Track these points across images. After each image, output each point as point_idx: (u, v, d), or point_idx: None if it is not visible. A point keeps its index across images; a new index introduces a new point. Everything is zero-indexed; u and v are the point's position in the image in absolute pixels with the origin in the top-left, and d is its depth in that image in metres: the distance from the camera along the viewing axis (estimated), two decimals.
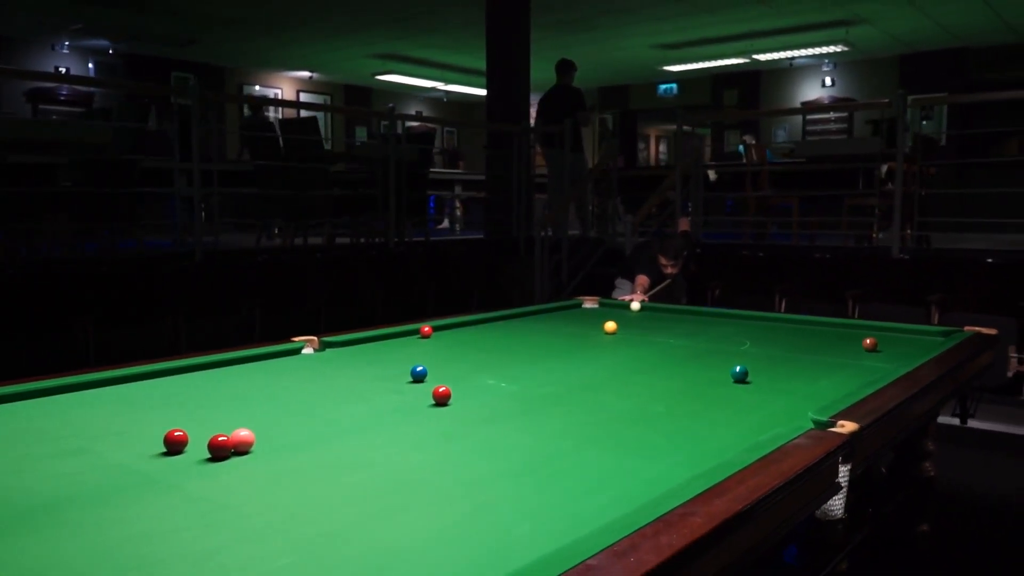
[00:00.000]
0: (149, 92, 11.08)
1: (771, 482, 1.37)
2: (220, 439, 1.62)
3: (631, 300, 4.03)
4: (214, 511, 1.35)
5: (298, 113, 11.81)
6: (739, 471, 1.42)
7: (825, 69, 13.75)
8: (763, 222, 7.18)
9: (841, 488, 1.68)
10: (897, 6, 9.81)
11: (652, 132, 19.09)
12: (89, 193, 4.56)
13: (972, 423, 4.45)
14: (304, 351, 2.81)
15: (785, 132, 13.90)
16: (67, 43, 11.34)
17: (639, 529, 1.16)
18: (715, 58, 12.91)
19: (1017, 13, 10.15)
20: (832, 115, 13.82)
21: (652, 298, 4.44)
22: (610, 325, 3.24)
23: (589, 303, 4.07)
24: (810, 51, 12.44)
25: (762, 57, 12.89)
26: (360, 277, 5.83)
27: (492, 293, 6.81)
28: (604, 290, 4.93)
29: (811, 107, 13.59)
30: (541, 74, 8.86)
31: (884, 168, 8.05)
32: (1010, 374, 4.76)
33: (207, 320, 4.73)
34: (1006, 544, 3.23)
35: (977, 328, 3.11)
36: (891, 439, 1.99)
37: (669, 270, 4.68)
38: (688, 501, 1.27)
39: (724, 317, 3.71)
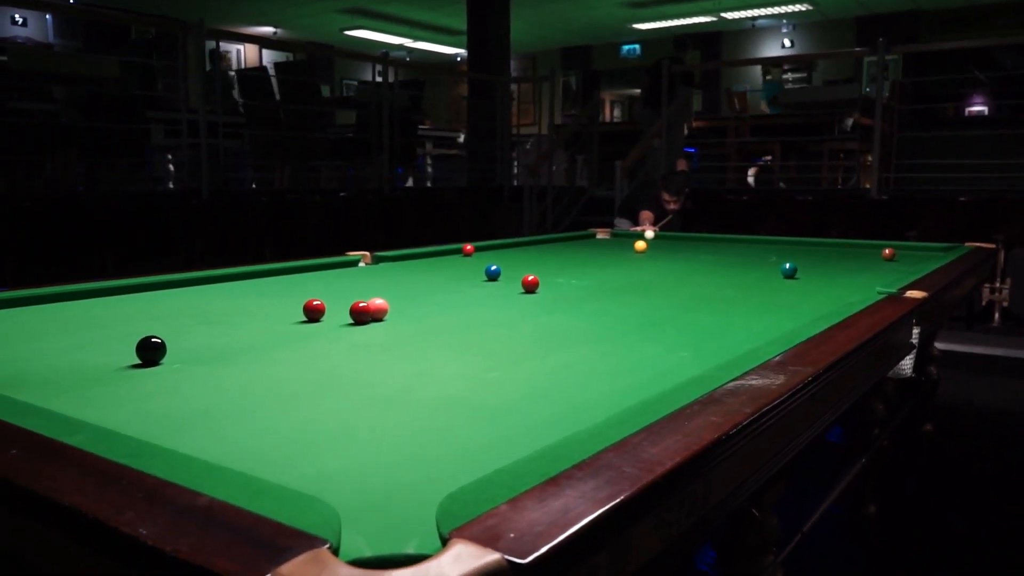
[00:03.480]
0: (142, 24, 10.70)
1: (882, 322, 1.57)
2: (361, 305, 1.74)
3: (644, 230, 4.21)
4: (394, 348, 1.48)
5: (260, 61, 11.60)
6: (849, 317, 1.61)
7: (784, 31, 14.07)
8: (745, 167, 7.46)
9: (914, 347, 1.89)
10: None
11: (607, 96, 19.31)
12: (100, 128, 4.53)
13: (953, 346, 4.78)
14: (360, 264, 2.92)
15: (745, 88, 14.20)
16: None
17: (799, 343, 1.34)
18: (682, 16, 13.09)
19: None
20: (790, 75, 14.18)
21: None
22: (640, 244, 3.42)
23: (602, 234, 4.24)
24: (775, 9, 12.71)
25: (729, 16, 13.11)
26: (359, 219, 5.90)
27: (482, 237, 6.94)
28: None
29: (794, 58, 13.87)
30: (515, 34, 8.95)
31: (850, 121, 8.40)
32: (983, 303, 5.10)
33: (219, 256, 4.77)
34: (995, 444, 3.53)
35: (976, 243, 3.37)
36: (943, 315, 2.21)
37: (672, 206, 4.88)
38: (822, 331, 1.45)
39: (735, 242, 3.92)
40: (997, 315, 5.15)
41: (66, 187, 4.63)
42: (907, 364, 1.92)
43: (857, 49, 10.07)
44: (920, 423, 3.31)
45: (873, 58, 6.76)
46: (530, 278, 2.19)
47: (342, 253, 2.96)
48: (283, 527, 0.63)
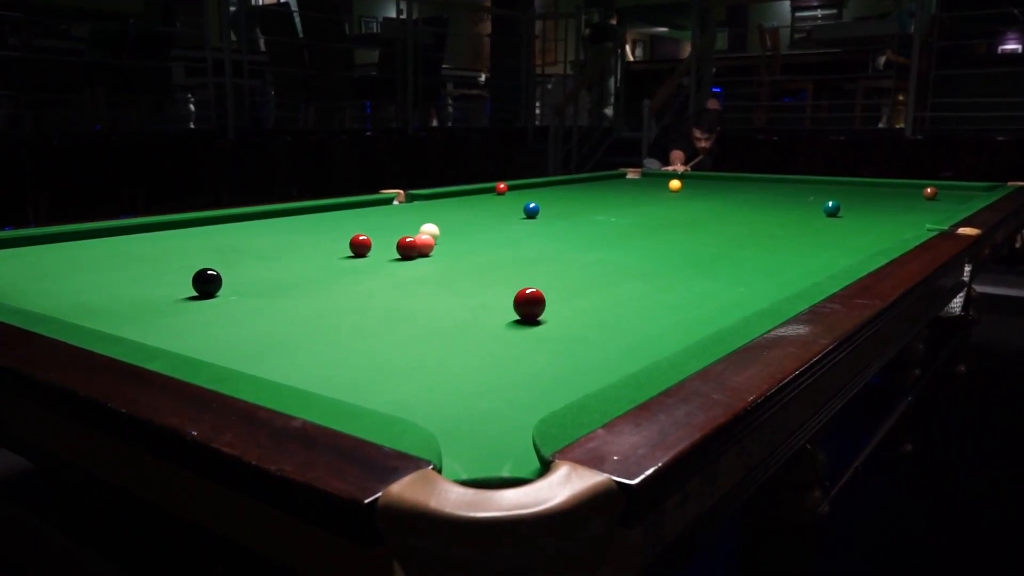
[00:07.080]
0: None
1: (940, 258, 1.54)
2: (408, 240, 1.73)
3: (674, 169, 4.15)
4: (448, 283, 1.47)
5: None
6: (907, 252, 1.58)
7: None
8: (775, 107, 7.31)
9: (965, 285, 1.86)
10: None
11: (628, 36, 18.96)
12: (126, 66, 4.50)
13: (985, 288, 4.71)
14: (395, 202, 2.91)
15: (775, 25, 13.82)
16: None
17: (863, 277, 1.31)
18: None
19: None
20: (819, 12, 13.78)
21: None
22: (675, 184, 3.38)
23: (632, 174, 4.18)
24: None
25: None
26: (384, 159, 5.86)
27: (507, 177, 6.89)
28: None
29: None
30: None
31: (883, 59, 8.17)
32: (1018, 245, 5.01)
33: (246, 195, 4.77)
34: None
35: (1019, 182, 3.30)
36: (991, 254, 2.18)
37: (703, 144, 4.80)
38: (883, 266, 1.43)
39: (768, 181, 3.85)
40: None
41: (93, 125, 4.62)
42: (957, 302, 1.90)
43: None
44: (954, 363, 3.29)
45: None
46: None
47: (370, 192, 2.94)
48: (385, 449, 0.63)
